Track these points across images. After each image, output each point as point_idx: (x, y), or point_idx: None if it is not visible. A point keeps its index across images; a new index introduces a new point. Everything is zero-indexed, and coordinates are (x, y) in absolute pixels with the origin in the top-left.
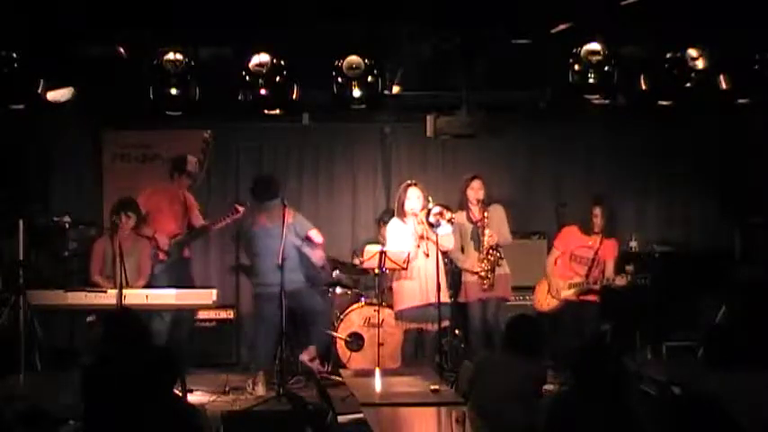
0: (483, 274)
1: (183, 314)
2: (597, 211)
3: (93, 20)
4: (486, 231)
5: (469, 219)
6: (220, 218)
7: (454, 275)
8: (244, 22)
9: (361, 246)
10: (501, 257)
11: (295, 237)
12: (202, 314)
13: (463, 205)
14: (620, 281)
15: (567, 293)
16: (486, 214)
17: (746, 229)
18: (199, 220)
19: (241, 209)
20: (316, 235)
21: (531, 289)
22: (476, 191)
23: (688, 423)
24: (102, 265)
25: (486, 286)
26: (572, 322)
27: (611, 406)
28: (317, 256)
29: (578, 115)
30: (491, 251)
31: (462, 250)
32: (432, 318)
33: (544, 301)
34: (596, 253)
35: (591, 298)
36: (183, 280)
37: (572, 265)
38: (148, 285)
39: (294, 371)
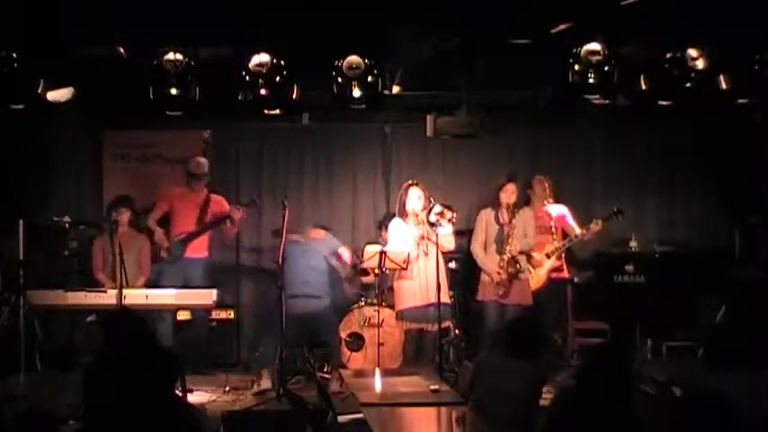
0: (500, 280)
1: (199, 315)
2: (541, 179)
3: (93, 20)
4: (510, 241)
5: (497, 219)
6: (218, 221)
7: (456, 275)
8: (244, 22)
9: (361, 246)
10: (521, 270)
11: (329, 253)
12: None
13: (495, 205)
14: (595, 227)
15: (550, 263)
16: (514, 221)
17: (746, 229)
18: (226, 223)
19: (238, 211)
20: (344, 252)
21: None
22: (508, 194)
23: (688, 423)
24: (103, 263)
25: (501, 293)
26: (557, 299)
27: (613, 407)
28: (343, 271)
29: (578, 115)
30: (511, 261)
31: (485, 247)
32: (432, 318)
33: (530, 279)
34: (552, 222)
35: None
36: (197, 279)
37: (538, 238)
38: (151, 284)
39: (294, 371)
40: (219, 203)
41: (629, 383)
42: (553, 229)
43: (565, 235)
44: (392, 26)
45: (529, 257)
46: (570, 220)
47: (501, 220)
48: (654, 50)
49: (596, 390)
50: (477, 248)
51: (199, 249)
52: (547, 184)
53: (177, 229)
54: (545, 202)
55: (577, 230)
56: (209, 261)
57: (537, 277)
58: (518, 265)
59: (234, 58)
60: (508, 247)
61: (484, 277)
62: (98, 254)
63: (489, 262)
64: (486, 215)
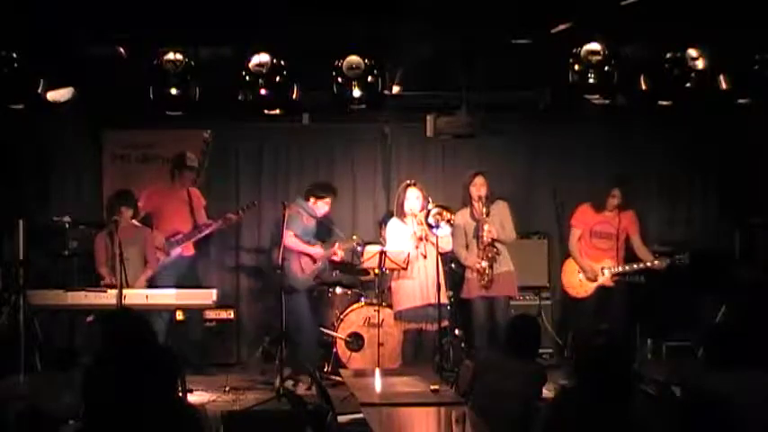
0: (480, 269)
1: (193, 314)
2: (616, 192)
3: (93, 20)
4: (486, 227)
5: (472, 215)
6: (211, 222)
7: (454, 275)
8: (244, 22)
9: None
10: (498, 253)
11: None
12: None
13: (467, 202)
14: (659, 265)
15: (603, 279)
16: (485, 210)
17: (746, 229)
18: (203, 219)
19: (233, 217)
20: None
21: (533, 289)
22: (478, 187)
23: (689, 423)
24: (106, 257)
25: (484, 282)
26: (617, 311)
27: (613, 407)
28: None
29: (578, 115)
30: (488, 247)
31: (467, 248)
32: (431, 318)
33: (579, 286)
34: (618, 229)
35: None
36: (186, 278)
37: (594, 242)
38: (154, 278)
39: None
40: (195, 195)
41: (629, 383)
42: (617, 236)
43: (628, 246)
44: (392, 26)
45: (584, 271)
46: (635, 232)
47: (476, 216)
48: (654, 50)
49: (596, 390)
50: (459, 250)
51: (188, 248)
52: (620, 195)
53: (166, 228)
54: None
55: (645, 253)
56: (195, 259)
57: (586, 287)
58: (495, 249)
59: (234, 58)
60: (483, 233)
61: (468, 274)
62: (101, 249)
63: (472, 256)
64: (462, 215)
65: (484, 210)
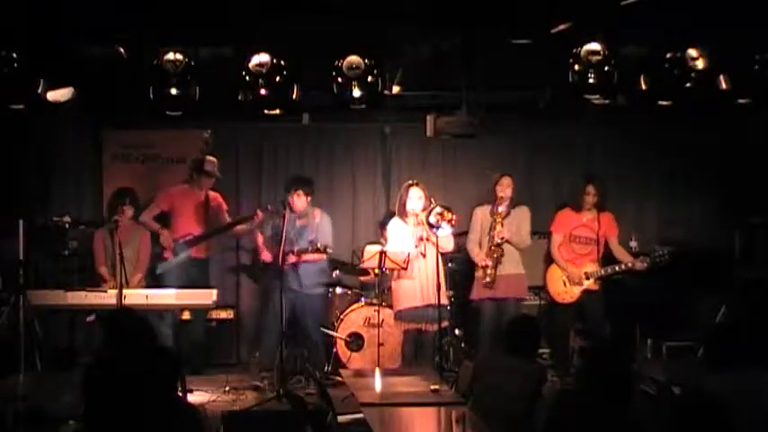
0: (484, 266)
1: (198, 314)
2: (591, 189)
3: (93, 20)
4: (497, 227)
5: (492, 213)
6: (240, 221)
7: (455, 275)
8: (244, 22)
9: (361, 246)
10: (502, 254)
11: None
12: None
13: (491, 199)
14: (640, 265)
15: (588, 283)
16: (501, 210)
17: (746, 229)
18: (226, 221)
19: (261, 214)
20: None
21: (533, 289)
22: (503, 188)
23: (688, 423)
24: (105, 256)
25: (486, 281)
26: (596, 312)
27: (613, 407)
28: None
29: (578, 115)
30: (494, 247)
31: (479, 244)
32: (431, 318)
33: (563, 291)
34: (597, 234)
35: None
36: (198, 280)
37: (573, 247)
38: (155, 283)
39: (294, 371)
40: (216, 200)
41: (629, 383)
42: (597, 240)
43: (606, 248)
44: (392, 26)
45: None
46: (614, 235)
47: (496, 213)
48: (654, 50)
49: (596, 390)
50: (472, 246)
51: (199, 250)
52: (594, 192)
53: (180, 229)
54: (594, 209)
55: (624, 255)
56: (207, 261)
57: (571, 293)
58: (501, 250)
59: (234, 58)
60: (495, 233)
61: (478, 273)
62: (99, 248)
63: (482, 254)
64: (482, 211)
65: (503, 210)
